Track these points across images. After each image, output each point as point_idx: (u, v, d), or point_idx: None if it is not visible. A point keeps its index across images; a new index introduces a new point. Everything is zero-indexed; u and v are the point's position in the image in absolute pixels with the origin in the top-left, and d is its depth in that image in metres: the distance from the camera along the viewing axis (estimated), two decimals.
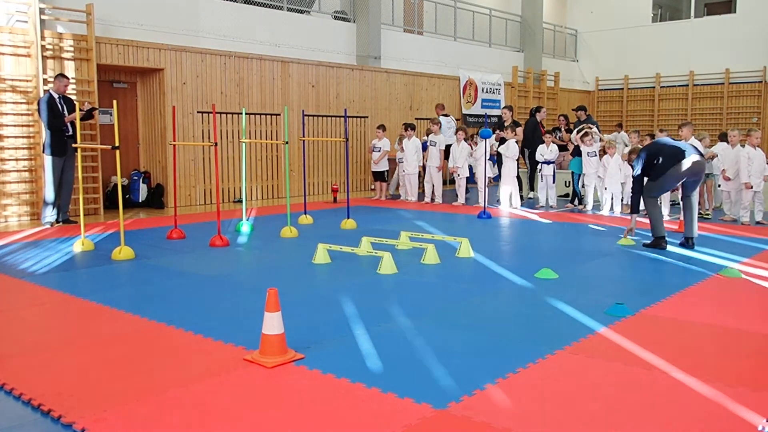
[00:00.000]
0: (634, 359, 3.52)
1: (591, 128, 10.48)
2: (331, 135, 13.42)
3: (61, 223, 8.87)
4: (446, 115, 13.57)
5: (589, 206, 10.42)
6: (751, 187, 8.67)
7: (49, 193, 8.75)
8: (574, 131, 11.33)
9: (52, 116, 8.59)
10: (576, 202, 10.87)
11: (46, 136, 8.70)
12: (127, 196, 11.00)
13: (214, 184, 10.77)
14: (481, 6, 18.02)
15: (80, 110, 8.28)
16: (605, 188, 10.03)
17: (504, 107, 12.51)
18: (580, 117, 11.89)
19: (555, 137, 11.99)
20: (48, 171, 8.70)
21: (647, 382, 3.19)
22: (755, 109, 18.28)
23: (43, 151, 8.78)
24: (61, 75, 8.89)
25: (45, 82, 9.31)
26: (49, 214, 8.79)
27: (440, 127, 11.97)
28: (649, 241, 7.00)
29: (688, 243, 6.95)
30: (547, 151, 10.91)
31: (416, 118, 14.84)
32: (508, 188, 10.82)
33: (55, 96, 8.72)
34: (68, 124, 8.72)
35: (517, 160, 11.76)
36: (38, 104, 8.74)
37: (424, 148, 12.02)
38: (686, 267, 6.01)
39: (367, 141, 13.72)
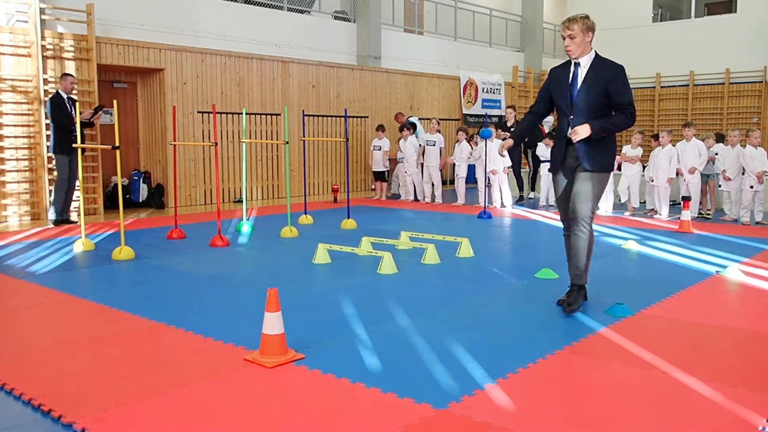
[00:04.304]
0: (634, 359, 3.52)
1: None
2: (331, 135, 13.42)
3: (61, 223, 8.88)
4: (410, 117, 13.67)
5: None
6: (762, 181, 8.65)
7: (60, 192, 8.79)
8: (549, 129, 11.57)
9: (62, 115, 8.62)
10: None
11: (55, 135, 8.72)
12: (128, 196, 10.99)
13: (215, 184, 10.76)
14: (482, 6, 18.01)
15: (88, 111, 8.34)
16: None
17: (508, 107, 12.53)
18: None
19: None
20: (59, 169, 8.76)
21: (647, 382, 3.19)
22: (755, 109, 18.26)
23: (53, 151, 8.81)
24: (67, 74, 8.92)
25: (45, 82, 9.31)
26: (56, 213, 8.84)
27: (415, 130, 12.06)
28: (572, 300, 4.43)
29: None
30: (547, 150, 10.91)
31: (419, 119, 14.83)
32: (505, 187, 10.80)
33: (64, 95, 8.75)
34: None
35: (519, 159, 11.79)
36: (48, 103, 8.75)
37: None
38: (686, 267, 6.01)
39: (367, 141, 13.71)
